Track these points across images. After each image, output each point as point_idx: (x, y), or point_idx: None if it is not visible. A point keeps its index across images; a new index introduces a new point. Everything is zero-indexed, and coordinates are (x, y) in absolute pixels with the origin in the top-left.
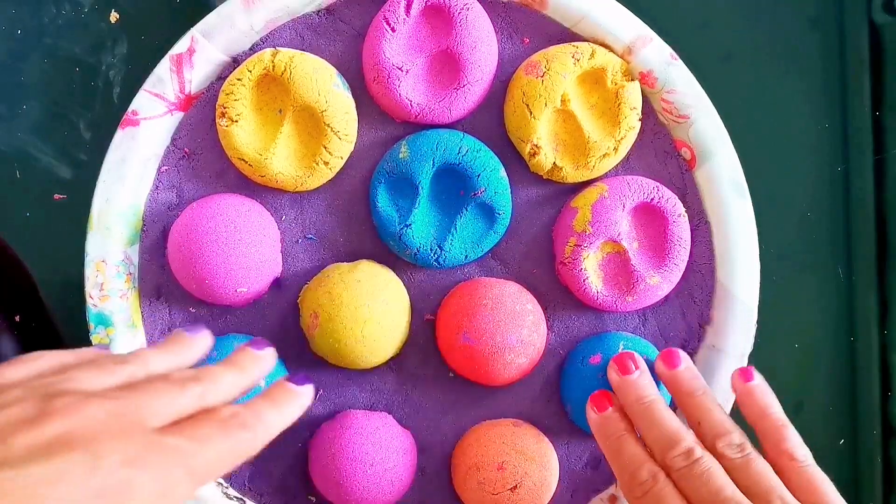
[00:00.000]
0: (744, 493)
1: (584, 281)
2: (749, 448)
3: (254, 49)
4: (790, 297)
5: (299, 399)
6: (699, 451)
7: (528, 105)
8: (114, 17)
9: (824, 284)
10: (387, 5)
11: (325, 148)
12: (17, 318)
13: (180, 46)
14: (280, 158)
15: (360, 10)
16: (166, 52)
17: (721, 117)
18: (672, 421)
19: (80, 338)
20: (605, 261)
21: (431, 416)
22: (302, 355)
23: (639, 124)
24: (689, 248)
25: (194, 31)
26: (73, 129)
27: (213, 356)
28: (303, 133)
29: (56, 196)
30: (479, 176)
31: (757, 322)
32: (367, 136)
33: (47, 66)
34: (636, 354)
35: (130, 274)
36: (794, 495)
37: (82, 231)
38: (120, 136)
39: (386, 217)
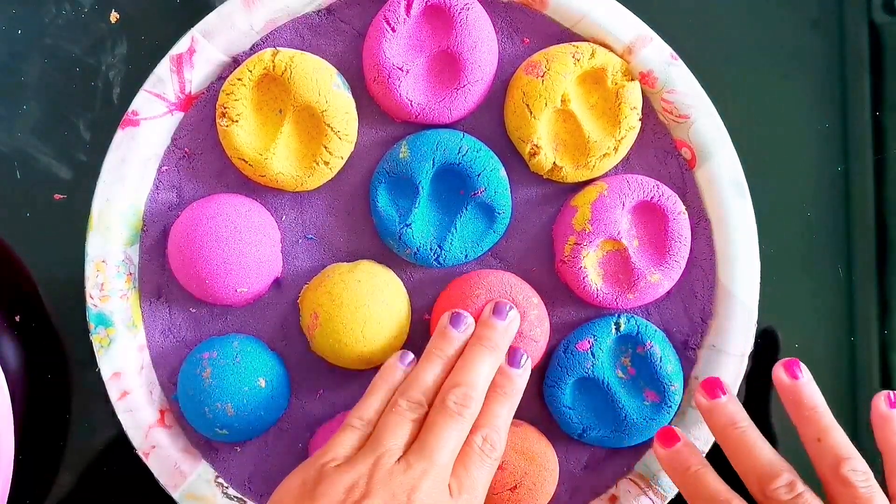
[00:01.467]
0: None
1: (584, 279)
2: (873, 478)
3: (254, 49)
4: (790, 297)
5: (521, 382)
6: (801, 485)
7: (528, 105)
8: (114, 17)
9: (824, 284)
10: (387, 5)
11: (326, 148)
12: (17, 318)
13: (180, 46)
14: (280, 158)
15: (361, 10)
16: (166, 52)
17: (721, 117)
18: (770, 450)
19: (80, 338)
20: (605, 259)
21: None
22: (302, 355)
23: (639, 124)
24: (689, 245)
25: (194, 32)
26: (73, 130)
27: (214, 357)
28: (303, 133)
29: (56, 196)
30: (479, 175)
31: (757, 322)
32: (367, 136)
33: (47, 66)
34: (722, 383)
35: (131, 274)
36: None
37: (82, 231)
38: (120, 136)
39: (386, 216)
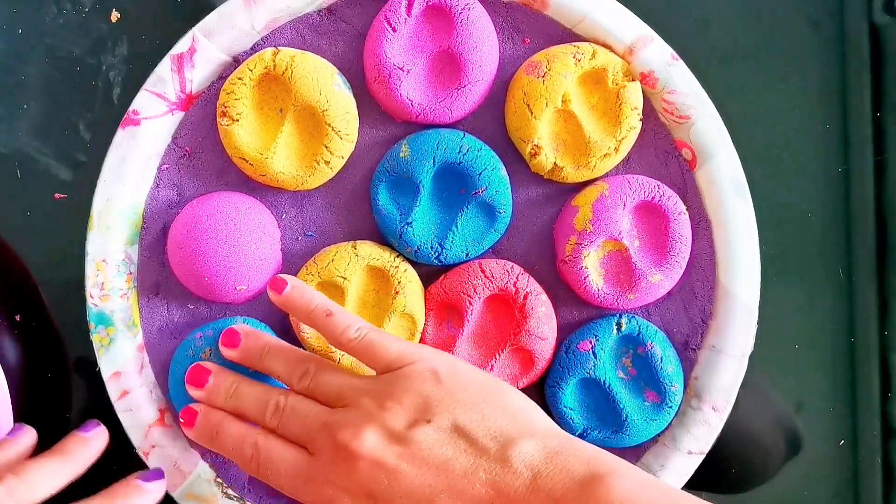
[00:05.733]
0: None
1: (585, 279)
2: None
3: (255, 49)
4: (790, 296)
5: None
6: (273, 402)
7: (529, 105)
8: (114, 16)
9: (824, 284)
10: (388, 5)
11: (326, 147)
12: (18, 318)
13: (181, 46)
14: (281, 158)
15: (361, 9)
16: (167, 51)
17: (721, 118)
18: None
19: (80, 337)
20: (606, 259)
21: None
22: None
23: (640, 124)
24: (690, 245)
25: (195, 31)
26: (73, 130)
27: (210, 335)
28: (304, 132)
29: (56, 195)
30: (479, 175)
31: (757, 322)
32: (367, 136)
33: (47, 66)
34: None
35: (131, 273)
36: None
37: (82, 231)
38: (121, 135)
39: (387, 215)
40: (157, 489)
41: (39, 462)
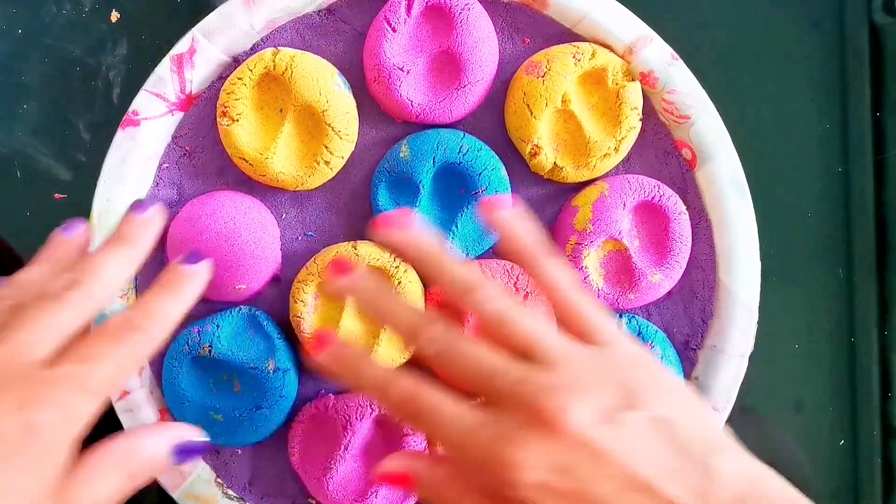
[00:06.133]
0: (509, 351)
1: (585, 279)
2: (499, 295)
3: (254, 49)
4: (790, 297)
5: (194, 280)
6: (443, 333)
7: (528, 105)
8: (114, 16)
9: (824, 284)
10: (387, 5)
11: (326, 147)
12: None
13: (181, 46)
14: (281, 158)
15: (361, 10)
16: (166, 52)
17: (721, 117)
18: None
19: None
20: (606, 259)
21: None
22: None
23: (639, 124)
24: (690, 245)
25: (195, 31)
26: (73, 130)
27: (209, 331)
28: (304, 132)
29: (56, 195)
30: (479, 175)
31: (757, 322)
32: (367, 136)
33: (47, 66)
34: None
35: None
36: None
37: None
38: (120, 136)
39: None
40: (203, 270)
41: (105, 254)
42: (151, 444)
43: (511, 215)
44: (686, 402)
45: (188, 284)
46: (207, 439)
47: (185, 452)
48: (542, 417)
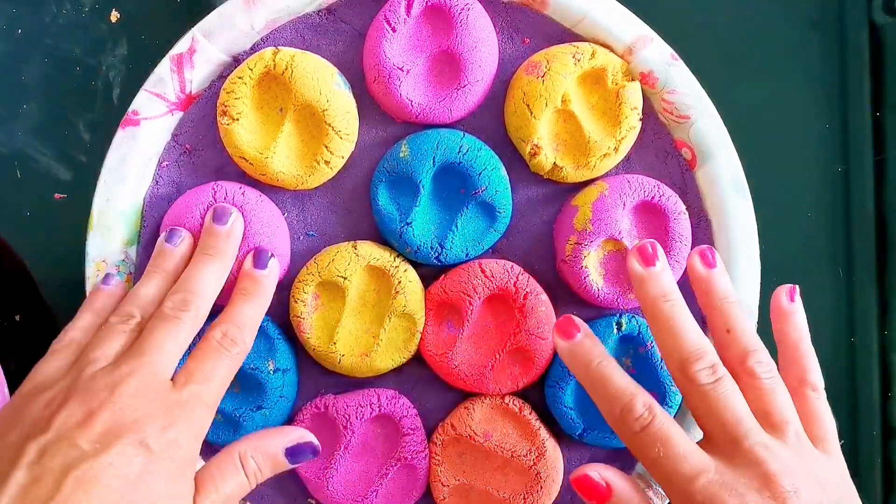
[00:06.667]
0: (759, 418)
1: (585, 279)
2: (776, 370)
3: (254, 49)
4: None
5: (269, 282)
6: (722, 369)
7: (528, 105)
8: (114, 16)
9: (824, 284)
10: (387, 5)
11: (326, 147)
12: (18, 318)
13: (181, 46)
14: (281, 157)
15: (361, 10)
16: (166, 52)
17: (721, 117)
18: (697, 330)
19: None
20: (606, 258)
21: (435, 420)
22: (302, 356)
23: (639, 124)
24: (690, 245)
25: (195, 31)
26: (73, 130)
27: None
28: (304, 132)
29: (56, 195)
30: (479, 174)
31: (757, 322)
32: (367, 136)
33: (47, 66)
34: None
35: (131, 273)
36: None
37: (82, 231)
38: (120, 135)
39: (387, 215)
40: (274, 268)
41: (204, 271)
42: (269, 446)
43: (796, 308)
44: None
45: (265, 288)
46: (317, 442)
47: (297, 453)
48: (774, 489)
